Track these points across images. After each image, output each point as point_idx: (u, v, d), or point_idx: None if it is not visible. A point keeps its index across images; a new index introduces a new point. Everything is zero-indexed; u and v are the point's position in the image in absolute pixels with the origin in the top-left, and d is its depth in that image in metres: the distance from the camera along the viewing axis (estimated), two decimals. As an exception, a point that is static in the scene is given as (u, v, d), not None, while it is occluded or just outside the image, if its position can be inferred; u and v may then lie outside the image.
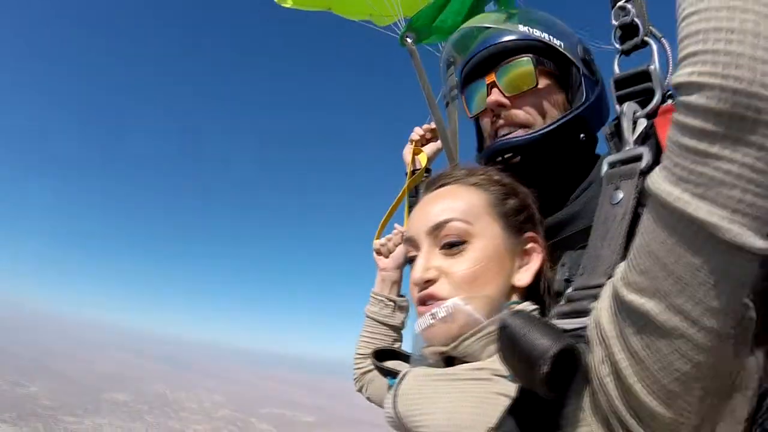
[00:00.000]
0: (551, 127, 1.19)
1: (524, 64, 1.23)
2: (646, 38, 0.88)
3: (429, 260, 0.94)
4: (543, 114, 1.23)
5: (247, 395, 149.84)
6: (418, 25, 1.56)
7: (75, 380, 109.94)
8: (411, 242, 1.01)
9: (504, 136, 1.24)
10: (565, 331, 0.69)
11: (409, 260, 1.00)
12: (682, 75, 0.50)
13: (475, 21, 1.40)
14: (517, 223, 0.98)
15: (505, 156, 1.22)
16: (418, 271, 0.94)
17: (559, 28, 1.28)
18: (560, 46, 1.23)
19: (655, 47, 0.87)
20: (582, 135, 1.22)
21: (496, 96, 1.24)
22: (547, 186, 1.17)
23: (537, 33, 1.24)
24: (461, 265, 0.91)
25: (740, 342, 0.54)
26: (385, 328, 1.45)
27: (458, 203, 0.96)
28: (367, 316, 1.49)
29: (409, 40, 1.54)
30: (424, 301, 0.93)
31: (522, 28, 1.26)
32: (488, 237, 0.93)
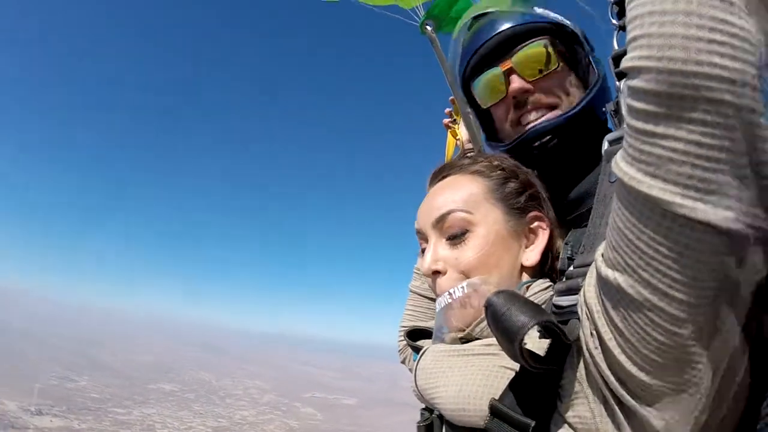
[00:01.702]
0: (581, 106, 1.19)
1: (543, 47, 1.22)
2: None
3: (436, 252, 1.00)
4: (566, 94, 1.23)
5: (289, 380, 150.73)
6: (437, 13, 1.56)
7: (121, 372, 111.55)
8: (421, 234, 1.07)
9: (533, 121, 1.23)
10: (562, 307, 0.74)
11: (422, 251, 1.06)
12: (626, 60, 0.52)
13: (487, 4, 1.35)
14: (518, 204, 1.01)
15: (543, 140, 1.21)
16: (426, 263, 1.00)
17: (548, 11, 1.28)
18: (571, 26, 1.25)
19: None
20: (604, 109, 1.21)
21: (518, 83, 1.23)
22: (573, 169, 1.21)
23: (551, 14, 1.24)
24: (466, 253, 0.95)
25: (712, 310, 0.55)
26: (427, 301, 1.48)
27: (458, 194, 1.00)
28: (411, 291, 1.54)
29: (428, 27, 1.55)
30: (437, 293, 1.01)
31: (538, 9, 1.25)
32: (490, 222, 0.97)
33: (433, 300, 1.40)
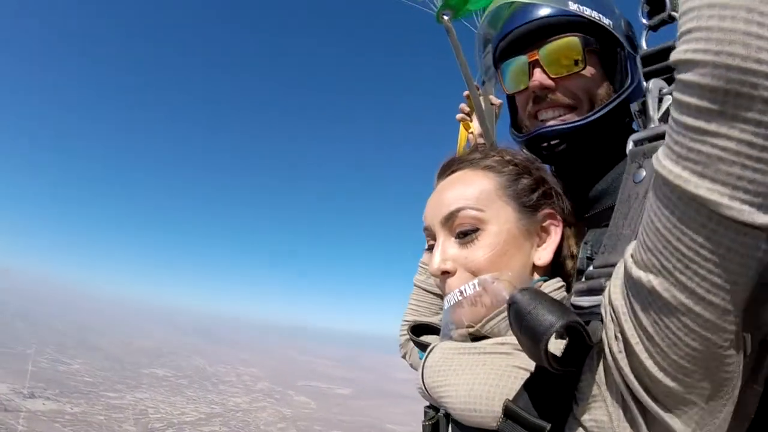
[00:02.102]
0: (599, 114, 1.14)
1: (573, 44, 1.16)
2: (672, 13, 0.85)
3: (445, 251, 0.96)
4: (590, 97, 1.18)
5: (283, 368, 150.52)
6: (454, 3, 1.52)
7: (114, 356, 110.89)
8: (428, 232, 1.03)
9: (546, 120, 1.20)
10: (582, 308, 0.71)
11: (429, 249, 1.01)
12: (678, 52, 0.51)
13: None
14: (531, 201, 0.98)
15: (551, 143, 1.18)
16: (435, 262, 0.95)
17: (604, 1, 1.20)
18: (609, 25, 1.16)
19: None
20: (627, 119, 1.17)
21: (540, 78, 1.18)
22: (590, 170, 1.18)
23: (587, 11, 1.15)
24: (477, 252, 0.92)
25: (748, 319, 0.54)
26: (431, 296, 1.46)
27: (469, 190, 0.96)
28: (415, 285, 1.51)
29: (445, 17, 1.51)
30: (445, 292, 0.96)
31: (572, 5, 1.15)
32: (502, 221, 0.94)
33: (438, 296, 1.41)
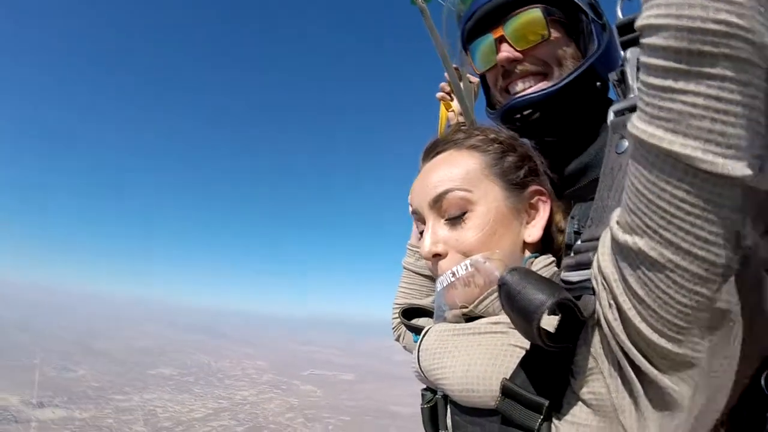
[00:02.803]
0: (569, 79, 1.15)
1: (534, 15, 1.17)
2: None
3: (435, 233, 0.95)
4: (558, 64, 1.20)
5: (287, 359, 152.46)
6: None
7: (119, 359, 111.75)
8: (417, 215, 1.02)
9: (519, 92, 1.21)
10: (572, 283, 0.72)
11: (420, 233, 1.01)
12: (642, 18, 0.52)
13: None
14: (517, 179, 0.97)
15: (524, 113, 1.19)
16: (426, 246, 0.95)
17: None
18: None
19: None
20: (598, 83, 1.19)
21: (507, 52, 1.19)
22: (567, 138, 1.19)
23: None
24: (467, 233, 0.92)
25: (732, 267, 0.55)
26: (421, 278, 1.45)
27: (455, 170, 0.96)
28: (404, 268, 1.50)
29: None
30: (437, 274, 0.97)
31: None
32: (490, 200, 0.93)
33: (427, 277, 1.43)
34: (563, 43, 1.20)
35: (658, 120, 0.52)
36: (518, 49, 1.19)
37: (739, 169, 0.49)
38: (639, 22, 0.53)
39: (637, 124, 0.55)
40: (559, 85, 1.15)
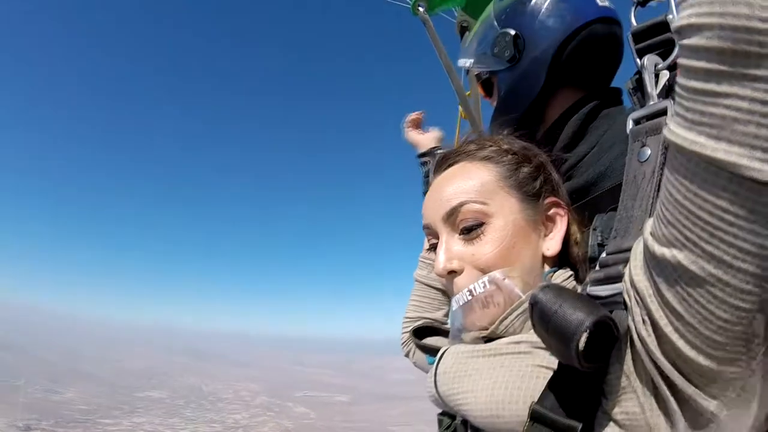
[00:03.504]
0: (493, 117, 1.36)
1: (477, 80, 1.42)
2: None
3: (450, 249, 0.91)
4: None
5: (281, 381, 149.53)
6: None
7: (107, 382, 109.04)
8: (429, 230, 0.98)
9: None
10: (601, 298, 0.68)
11: (431, 248, 0.98)
12: (682, 18, 0.49)
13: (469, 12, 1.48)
14: (533, 190, 0.94)
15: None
16: (440, 262, 0.91)
17: (476, 36, 1.39)
18: (469, 66, 1.39)
19: None
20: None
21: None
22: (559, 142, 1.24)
23: (459, 63, 1.41)
24: (484, 248, 0.88)
25: None
26: (433, 291, 1.43)
27: (470, 182, 0.92)
28: (416, 280, 1.48)
29: (421, 9, 1.53)
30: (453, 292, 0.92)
31: (460, 62, 1.43)
32: (507, 213, 0.90)
33: (440, 290, 1.42)
34: (495, 92, 1.38)
35: (700, 126, 0.49)
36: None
37: None
38: (680, 22, 0.50)
39: (676, 131, 0.52)
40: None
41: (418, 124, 1.83)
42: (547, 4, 1.25)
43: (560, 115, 1.23)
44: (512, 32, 1.25)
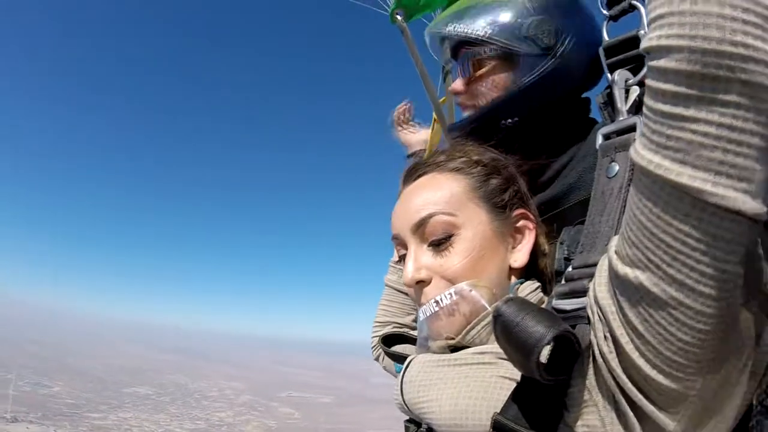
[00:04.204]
0: (477, 115, 1.29)
1: (469, 55, 1.31)
2: (633, 2, 0.84)
3: (418, 259, 0.92)
4: (484, 97, 1.30)
5: (266, 381, 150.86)
6: (406, 2, 1.54)
7: (95, 377, 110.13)
8: (398, 240, 0.98)
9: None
10: (565, 311, 0.68)
11: (400, 258, 0.98)
12: (651, 39, 0.49)
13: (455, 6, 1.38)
14: (502, 202, 0.94)
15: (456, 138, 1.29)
16: (409, 272, 0.91)
17: (495, 9, 1.28)
18: (485, 35, 1.27)
19: (643, 11, 0.81)
20: (508, 120, 1.26)
21: (455, 85, 1.35)
22: (537, 154, 1.22)
23: (460, 29, 1.28)
24: (452, 260, 0.88)
25: (735, 303, 0.53)
26: (403, 296, 1.42)
27: (439, 194, 0.92)
28: (387, 285, 1.47)
29: (399, 17, 1.51)
30: (421, 302, 0.92)
31: (452, 27, 1.30)
32: (475, 225, 0.90)
33: (409, 295, 1.40)
34: (492, 77, 1.30)
35: (666, 150, 0.49)
36: (464, 83, 1.33)
37: (751, 203, 0.47)
38: (647, 43, 0.50)
39: (642, 153, 0.52)
40: (469, 119, 1.31)
41: (407, 119, 1.80)
42: (591, 17, 1.28)
43: (566, 118, 1.27)
44: (554, 23, 1.24)
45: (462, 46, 1.31)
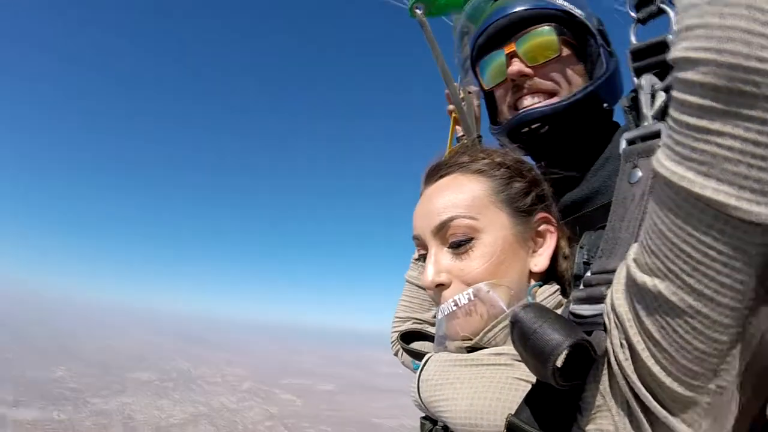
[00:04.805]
0: (579, 96, 1.18)
1: (546, 32, 1.20)
2: (662, 5, 0.82)
3: (439, 262, 0.92)
4: (568, 82, 1.22)
5: (268, 367, 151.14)
6: None
7: (98, 362, 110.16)
8: (418, 241, 0.98)
9: (527, 106, 1.23)
10: (583, 317, 0.69)
11: (420, 257, 0.96)
12: (678, 50, 0.49)
13: None
14: (525, 206, 0.94)
15: (533, 126, 1.20)
16: (429, 275, 0.91)
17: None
18: (581, 15, 1.22)
19: (672, 15, 0.78)
20: (606, 104, 1.21)
21: (518, 66, 1.22)
22: (571, 156, 1.19)
23: (560, 2, 1.22)
24: (472, 263, 0.89)
25: (750, 313, 0.53)
26: (423, 292, 1.43)
27: (461, 196, 0.92)
28: (407, 281, 1.49)
29: (418, 11, 1.49)
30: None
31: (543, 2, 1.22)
32: (497, 228, 0.90)
33: None
34: (573, 63, 1.22)
35: (690, 161, 0.49)
36: (529, 65, 1.21)
37: None
38: (675, 54, 0.49)
39: (665, 164, 0.52)
40: (570, 101, 1.16)
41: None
42: None
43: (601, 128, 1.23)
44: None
45: (534, 23, 1.22)
